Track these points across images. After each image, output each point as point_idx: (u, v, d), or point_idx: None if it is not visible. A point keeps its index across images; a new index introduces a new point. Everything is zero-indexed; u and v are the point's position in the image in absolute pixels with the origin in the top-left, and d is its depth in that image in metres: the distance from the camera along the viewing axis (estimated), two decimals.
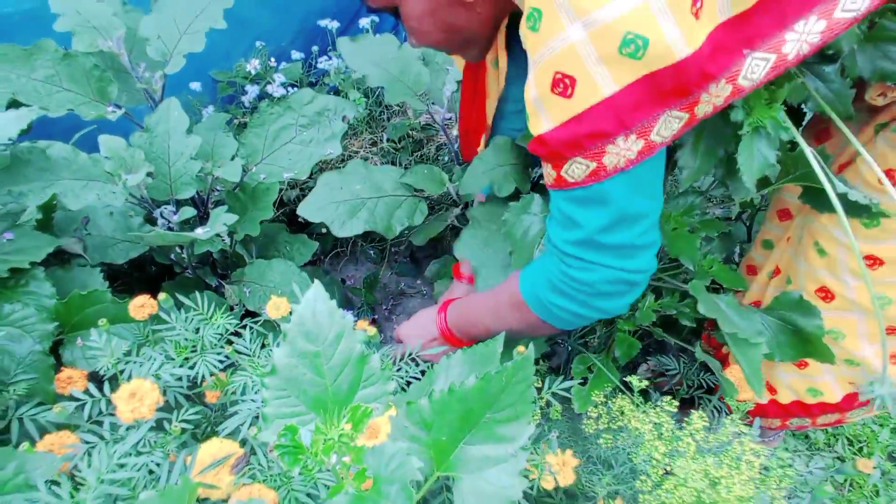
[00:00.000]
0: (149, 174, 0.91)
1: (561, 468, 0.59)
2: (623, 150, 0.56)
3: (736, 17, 0.53)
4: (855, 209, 0.64)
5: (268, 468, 0.57)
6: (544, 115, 0.58)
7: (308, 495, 0.53)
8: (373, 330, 0.72)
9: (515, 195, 0.84)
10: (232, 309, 1.11)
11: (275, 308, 0.63)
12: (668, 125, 0.56)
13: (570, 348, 1.11)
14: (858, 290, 0.73)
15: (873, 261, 0.70)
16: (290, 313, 0.66)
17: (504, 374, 0.48)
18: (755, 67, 0.55)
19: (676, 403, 0.59)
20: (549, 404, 0.67)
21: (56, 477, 0.54)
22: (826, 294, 0.76)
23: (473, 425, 0.49)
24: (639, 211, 0.61)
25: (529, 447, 0.57)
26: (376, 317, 1.37)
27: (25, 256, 0.74)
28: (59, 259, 0.82)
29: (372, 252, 1.42)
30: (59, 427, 0.65)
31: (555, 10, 0.52)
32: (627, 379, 0.67)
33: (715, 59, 0.53)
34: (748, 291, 0.93)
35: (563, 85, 0.55)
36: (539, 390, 0.65)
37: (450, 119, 1.15)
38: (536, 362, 1.04)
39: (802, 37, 0.54)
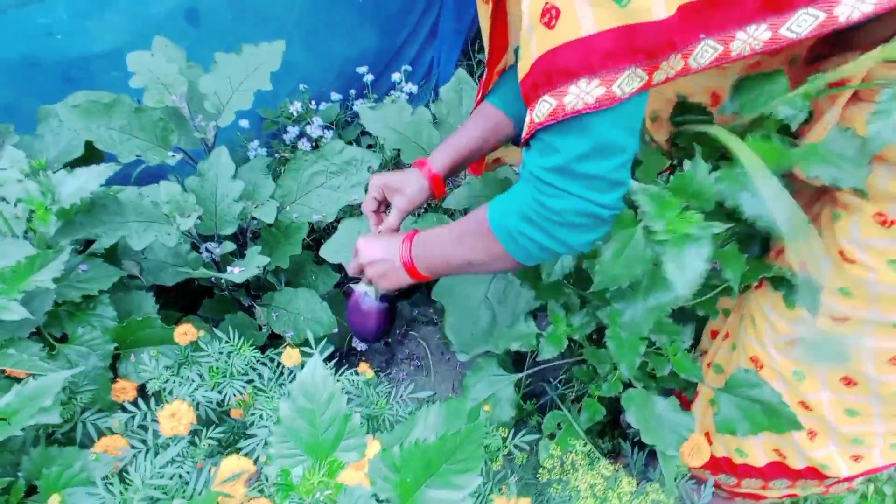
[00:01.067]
0: (199, 217, 1.07)
1: None
2: (583, 92, 0.58)
3: (703, 0, 0.56)
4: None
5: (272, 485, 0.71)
6: (532, 44, 0.59)
7: None
8: (370, 373, 0.85)
9: None
10: (260, 328, 1.27)
11: (288, 358, 0.77)
12: (630, 82, 0.58)
13: (557, 388, 1.22)
14: (781, 363, 0.83)
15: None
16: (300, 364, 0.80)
17: (459, 436, 0.61)
18: (704, 53, 0.58)
19: (618, 467, 0.70)
20: (513, 451, 0.79)
21: (110, 476, 0.69)
22: (756, 363, 0.86)
23: (433, 473, 0.62)
24: (616, 143, 0.62)
25: (479, 492, 0.69)
26: (389, 340, 1.51)
27: (95, 285, 0.90)
28: (120, 283, 0.98)
29: None
30: (112, 431, 0.81)
31: None
32: (593, 440, 0.77)
33: (682, 30, 0.55)
34: (709, 351, 1.02)
35: (549, 15, 0.56)
36: (504, 440, 0.77)
37: None
38: (523, 399, 1.15)
39: (749, 40, 0.57)
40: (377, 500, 0.55)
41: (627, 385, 0.95)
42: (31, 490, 0.72)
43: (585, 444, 0.72)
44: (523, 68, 0.61)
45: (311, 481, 0.50)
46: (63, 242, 0.91)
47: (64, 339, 0.87)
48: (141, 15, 1.35)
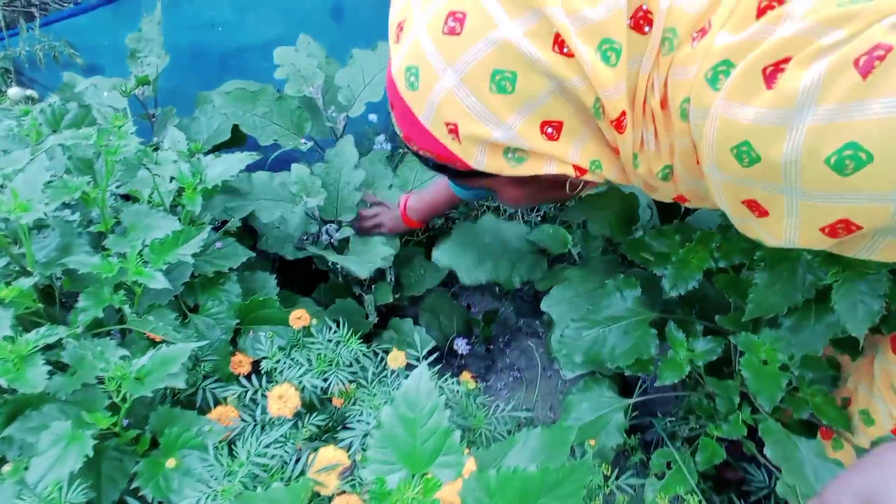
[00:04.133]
0: (323, 200, 1.12)
1: None
2: None
3: None
4: None
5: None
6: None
7: None
8: (472, 384, 0.83)
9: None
10: (367, 317, 1.30)
11: (393, 360, 0.77)
12: None
13: (666, 425, 1.12)
14: None
15: None
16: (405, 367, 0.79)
17: (561, 472, 0.56)
18: None
19: None
20: (615, 491, 0.73)
21: (219, 446, 0.73)
22: None
23: (531, 503, 0.58)
24: None
25: None
26: (491, 346, 1.48)
27: (227, 262, 0.96)
28: (248, 262, 1.04)
29: (497, 287, 1.53)
30: (227, 402, 0.86)
31: None
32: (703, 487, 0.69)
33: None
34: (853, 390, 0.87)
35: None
36: (607, 478, 0.71)
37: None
38: (627, 434, 1.07)
39: None
40: None
41: (751, 427, 0.85)
42: (155, 443, 0.78)
43: (698, 499, 0.65)
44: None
45: (406, 495, 0.48)
46: (204, 219, 0.99)
47: (195, 309, 0.94)
48: (293, 9, 1.44)
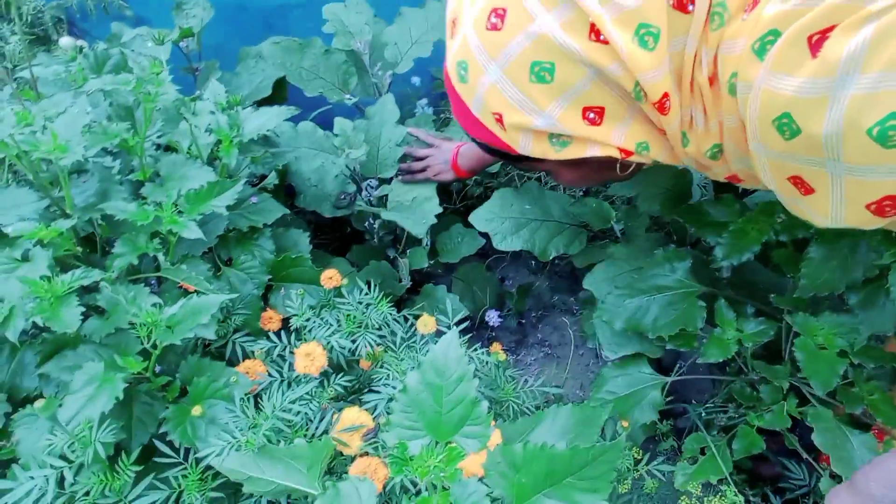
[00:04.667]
0: (364, 155, 1.10)
1: None
2: None
3: None
4: None
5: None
6: None
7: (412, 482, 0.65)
8: (503, 356, 0.80)
9: None
10: (400, 280, 1.28)
11: (423, 325, 0.75)
12: None
13: (700, 414, 1.08)
14: None
15: None
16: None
17: (592, 452, 0.54)
18: None
19: None
20: (644, 476, 0.70)
21: (245, 399, 0.74)
22: None
23: (555, 483, 0.56)
24: None
25: None
26: (523, 321, 1.45)
27: (262, 218, 0.95)
28: (283, 219, 1.03)
29: (533, 261, 1.49)
30: (255, 356, 0.86)
31: None
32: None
33: None
34: None
35: None
36: (637, 462, 0.68)
37: None
38: (661, 419, 1.04)
39: None
40: (491, 500, 0.50)
41: (795, 419, 0.80)
42: (184, 391, 0.79)
43: (733, 490, 0.61)
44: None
45: (428, 462, 0.47)
46: (241, 173, 0.98)
47: (229, 262, 0.94)
48: None
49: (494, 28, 0.57)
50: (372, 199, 1.21)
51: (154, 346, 0.70)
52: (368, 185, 1.20)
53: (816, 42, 0.44)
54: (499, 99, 0.59)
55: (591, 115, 0.58)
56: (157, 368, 0.80)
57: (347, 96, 1.22)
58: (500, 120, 0.61)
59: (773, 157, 0.52)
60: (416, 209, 1.07)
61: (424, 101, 1.51)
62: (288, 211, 0.98)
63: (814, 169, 0.50)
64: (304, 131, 1.16)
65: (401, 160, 1.17)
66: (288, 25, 1.46)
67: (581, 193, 1.27)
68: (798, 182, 0.52)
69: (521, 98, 0.58)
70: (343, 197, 1.16)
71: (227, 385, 0.75)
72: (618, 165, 0.65)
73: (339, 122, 1.13)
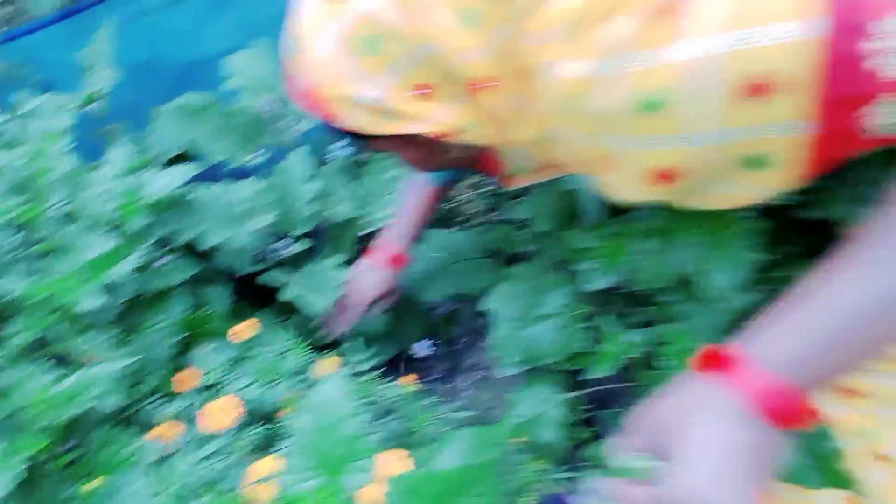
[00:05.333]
0: (275, 216, 1.12)
1: None
2: None
3: None
4: None
5: None
6: None
7: None
8: (412, 387, 0.83)
9: None
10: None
11: (322, 367, 0.77)
12: None
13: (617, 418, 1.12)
14: None
15: None
16: None
17: (479, 469, 0.57)
18: None
19: None
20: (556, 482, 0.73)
21: (156, 463, 0.73)
22: None
23: (448, 501, 0.58)
24: None
25: None
26: (456, 347, 1.48)
27: (170, 279, 0.96)
28: (203, 273, 1.04)
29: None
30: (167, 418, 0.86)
31: None
32: None
33: None
34: None
35: None
36: (544, 472, 0.71)
37: None
38: (583, 426, 1.07)
39: None
40: None
41: None
42: (95, 464, 0.78)
43: None
44: None
45: (317, 501, 0.49)
46: (149, 237, 0.99)
47: (140, 326, 0.94)
48: (249, 19, 1.44)
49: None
50: (283, 257, 1.22)
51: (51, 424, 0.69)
52: (275, 247, 1.20)
53: (599, 27, 0.49)
54: (330, 71, 0.59)
55: (421, 92, 0.59)
56: (72, 442, 0.79)
57: (249, 157, 1.23)
58: (332, 94, 0.60)
59: (572, 139, 0.57)
60: (316, 274, 1.09)
61: (340, 144, 1.55)
62: (198, 269, 0.99)
63: (604, 148, 0.54)
64: (207, 200, 1.12)
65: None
66: (201, 79, 1.47)
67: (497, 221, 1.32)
68: (598, 162, 0.57)
69: (351, 70, 0.58)
70: (258, 253, 1.17)
71: (136, 453, 0.75)
72: (452, 146, 0.66)
73: (247, 186, 1.13)
